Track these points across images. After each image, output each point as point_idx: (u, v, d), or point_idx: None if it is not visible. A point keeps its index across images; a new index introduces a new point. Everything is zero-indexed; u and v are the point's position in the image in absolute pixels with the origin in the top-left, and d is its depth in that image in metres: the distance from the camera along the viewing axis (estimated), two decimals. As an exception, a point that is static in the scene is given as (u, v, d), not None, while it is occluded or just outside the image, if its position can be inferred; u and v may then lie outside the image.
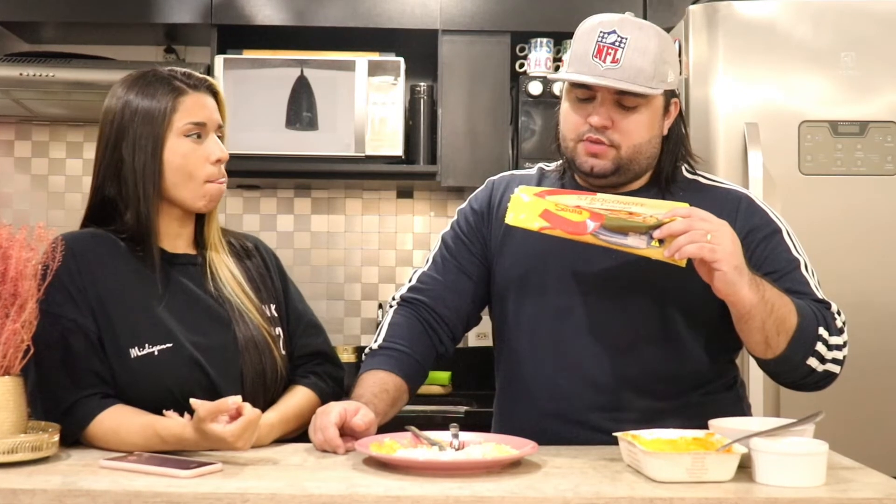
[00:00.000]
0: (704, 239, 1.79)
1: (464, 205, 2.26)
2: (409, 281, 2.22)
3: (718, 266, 1.79)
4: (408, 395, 2.10)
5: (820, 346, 1.92)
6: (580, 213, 1.85)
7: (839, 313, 1.99)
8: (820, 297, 2.00)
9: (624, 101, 1.99)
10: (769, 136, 2.90)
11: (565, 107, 2.07)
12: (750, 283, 1.82)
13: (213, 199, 2.03)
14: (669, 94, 2.06)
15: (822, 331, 1.92)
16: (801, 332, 1.90)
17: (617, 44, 1.96)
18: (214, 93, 2.05)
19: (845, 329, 1.98)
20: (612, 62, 1.96)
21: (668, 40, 2.04)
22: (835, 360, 1.95)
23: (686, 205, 1.87)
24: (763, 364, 1.98)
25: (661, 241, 1.81)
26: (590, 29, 2.01)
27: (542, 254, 2.07)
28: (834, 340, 1.94)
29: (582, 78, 1.99)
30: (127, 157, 1.97)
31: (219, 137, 2.04)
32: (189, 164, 1.98)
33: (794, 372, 1.96)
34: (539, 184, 2.18)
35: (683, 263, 1.82)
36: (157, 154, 1.97)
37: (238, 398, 1.78)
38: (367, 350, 2.14)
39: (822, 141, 2.93)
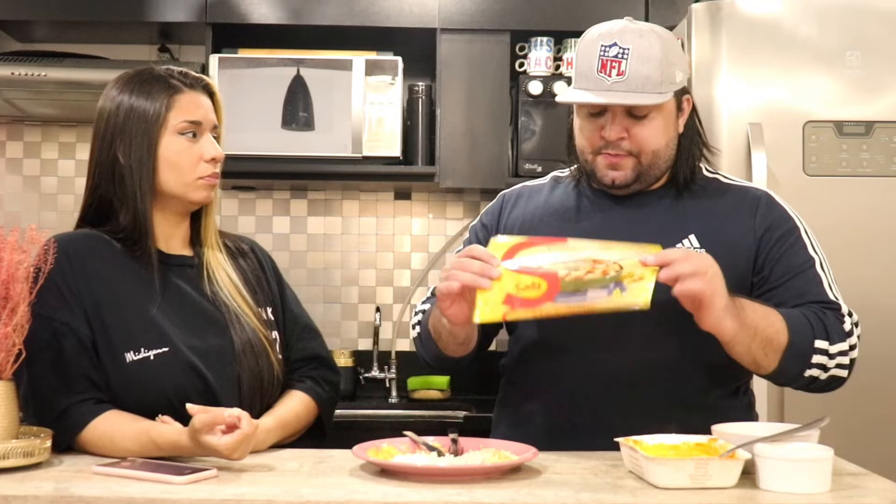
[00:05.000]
0: (706, 277, 1.80)
1: (475, 221, 2.29)
2: (426, 295, 2.26)
3: (711, 305, 1.81)
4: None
5: (819, 358, 1.94)
6: (538, 288, 1.84)
7: (850, 314, 2.01)
8: (831, 297, 2.01)
9: (635, 110, 2.01)
10: (773, 136, 2.89)
11: (578, 122, 2.09)
12: (732, 313, 1.84)
13: (209, 194, 2.02)
14: (680, 93, 2.07)
15: (819, 343, 1.93)
16: (792, 349, 1.92)
17: (620, 55, 1.97)
18: (211, 93, 2.05)
19: (855, 331, 2.00)
20: (617, 75, 1.97)
21: (670, 41, 2.04)
22: (840, 366, 1.96)
23: (658, 247, 1.84)
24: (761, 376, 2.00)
25: (621, 290, 1.81)
26: (591, 43, 2.02)
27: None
28: (837, 347, 1.95)
29: (590, 98, 2.00)
30: (122, 155, 1.97)
31: (215, 138, 2.02)
32: (183, 162, 1.97)
33: (794, 383, 1.99)
34: (552, 192, 2.20)
35: (647, 305, 1.81)
36: (152, 151, 1.96)
37: (235, 411, 1.77)
38: (415, 314, 2.21)
39: (827, 141, 2.91)
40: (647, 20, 3.57)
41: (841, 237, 2.86)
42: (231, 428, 1.75)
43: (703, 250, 2.01)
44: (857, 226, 2.89)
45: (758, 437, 1.68)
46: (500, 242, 1.93)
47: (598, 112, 2.03)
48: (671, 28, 3.15)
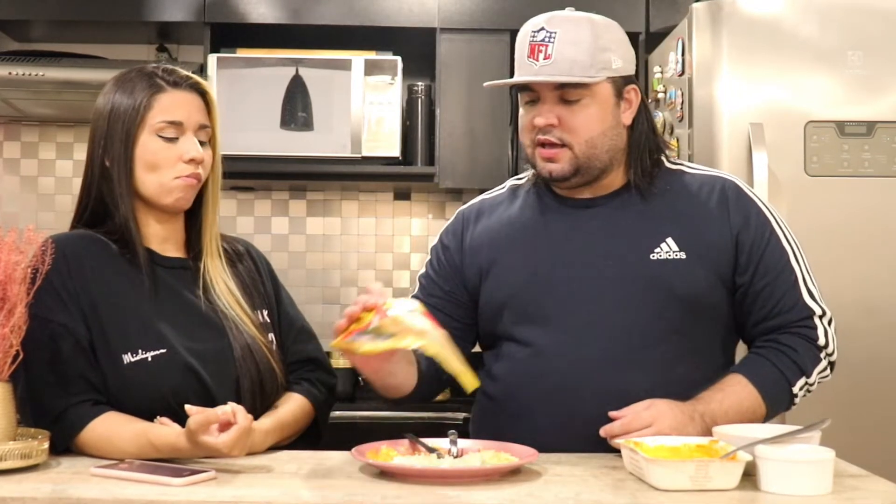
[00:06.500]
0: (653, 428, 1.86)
1: (436, 241, 2.23)
2: None
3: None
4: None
5: (802, 391, 2.01)
6: (361, 322, 1.80)
7: (822, 316, 2.02)
8: (805, 302, 2.02)
9: (566, 95, 1.99)
10: (774, 136, 2.88)
11: (520, 113, 2.08)
12: (699, 434, 1.86)
13: (183, 197, 1.98)
14: (622, 82, 2.04)
15: (798, 384, 1.99)
16: (773, 412, 1.99)
17: (546, 39, 1.98)
18: (202, 92, 2.02)
19: (829, 332, 2.02)
20: (544, 59, 1.97)
21: (606, 28, 2.03)
22: (823, 377, 2.03)
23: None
24: None
25: (379, 338, 1.78)
26: (523, 32, 2.03)
27: (534, 270, 2.05)
28: (815, 373, 2.01)
29: (515, 79, 2.02)
30: (106, 155, 1.96)
31: (206, 139, 2.00)
32: (159, 162, 1.95)
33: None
34: (513, 203, 2.15)
35: (371, 353, 1.80)
36: (129, 151, 1.95)
37: (228, 407, 1.76)
38: None
39: (829, 142, 2.91)
40: (647, 20, 3.59)
41: (842, 237, 2.85)
42: (226, 425, 1.74)
43: (682, 254, 2.00)
44: (859, 226, 2.89)
45: (759, 438, 1.67)
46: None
47: (532, 101, 2.03)
48: (672, 28, 3.15)
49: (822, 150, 2.90)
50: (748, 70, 2.91)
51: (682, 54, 2.99)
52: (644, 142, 2.07)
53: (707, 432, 1.84)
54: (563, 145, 2.00)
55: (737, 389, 1.96)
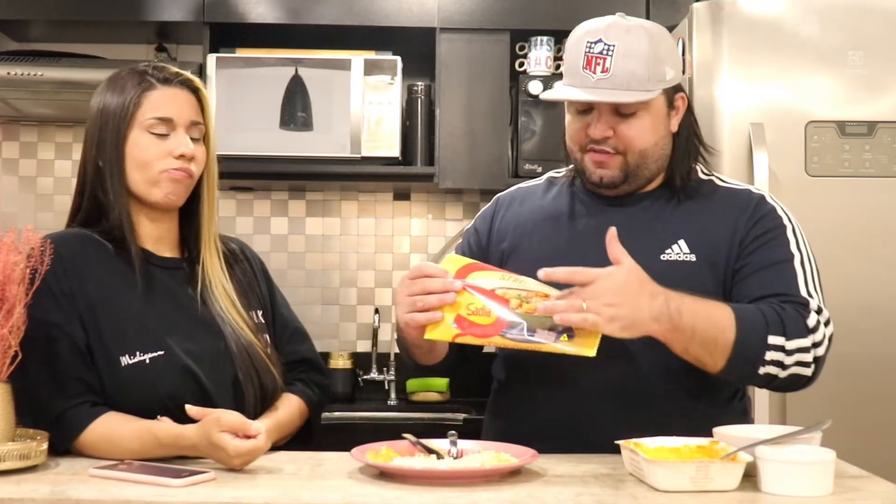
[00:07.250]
0: (580, 309, 1.78)
1: (470, 224, 2.26)
2: None
3: (603, 329, 1.79)
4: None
5: (774, 354, 1.87)
6: (488, 315, 1.84)
7: (819, 311, 1.93)
8: (801, 293, 1.95)
9: (622, 108, 1.98)
10: (775, 136, 2.88)
11: (568, 118, 2.07)
12: (656, 316, 1.80)
13: (173, 192, 1.97)
14: (673, 91, 2.04)
15: (773, 339, 1.87)
16: (740, 347, 1.85)
17: (605, 52, 1.95)
18: (194, 89, 2.01)
19: (822, 327, 1.92)
20: (602, 72, 1.95)
21: (661, 38, 2.02)
22: (801, 363, 1.89)
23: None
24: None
25: (569, 336, 1.81)
26: (577, 39, 2.00)
27: (549, 259, 2.03)
28: (796, 343, 1.88)
29: (574, 94, 1.99)
30: (99, 154, 1.96)
31: (199, 136, 2.00)
32: (149, 158, 1.94)
33: (750, 381, 1.96)
34: (546, 194, 2.18)
35: (593, 353, 1.81)
36: (120, 149, 1.94)
37: (262, 426, 1.76)
38: None
39: (830, 142, 2.90)
40: (647, 20, 3.58)
41: (843, 238, 2.85)
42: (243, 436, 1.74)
43: (692, 256, 1.99)
44: (860, 226, 2.89)
45: (760, 439, 1.66)
46: (455, 257, 1.95)
47: (585, 109, 2.01)
48: (672, 28, 3.15)
49: (822, 151, 2.90)
50: (748, 70, 2.91)
51: (683, 54, 2.98)
52: (688, 146, 2.08)
53: (667, 322, 1.81)
54: (616, 153, 2.00)
55: (717, 308, 1.87)
